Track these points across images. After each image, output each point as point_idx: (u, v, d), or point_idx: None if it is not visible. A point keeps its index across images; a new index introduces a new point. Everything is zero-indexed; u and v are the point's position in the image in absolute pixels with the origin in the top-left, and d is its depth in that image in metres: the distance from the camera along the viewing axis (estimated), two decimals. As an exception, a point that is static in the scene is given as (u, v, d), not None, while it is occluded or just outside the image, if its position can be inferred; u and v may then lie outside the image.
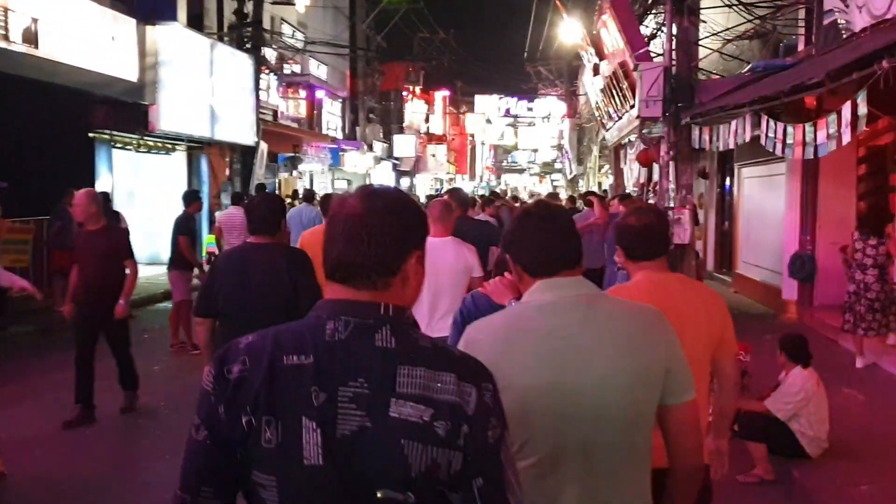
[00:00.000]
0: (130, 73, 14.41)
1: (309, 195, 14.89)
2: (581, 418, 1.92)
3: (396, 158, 39.63)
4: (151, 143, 17.32)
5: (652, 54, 12.59)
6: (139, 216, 18.32)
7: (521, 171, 70.60)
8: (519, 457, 1.84)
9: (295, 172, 27.85)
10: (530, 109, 57.78)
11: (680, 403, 2.03)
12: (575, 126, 39.67)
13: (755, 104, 8.16)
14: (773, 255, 12.31)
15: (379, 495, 1.42)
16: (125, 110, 14.89)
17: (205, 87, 17.28)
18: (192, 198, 9.91)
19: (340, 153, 30.56)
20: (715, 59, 13.18)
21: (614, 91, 13.40)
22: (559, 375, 1.92)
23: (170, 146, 18.09)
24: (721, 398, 3.03)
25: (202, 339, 4.38)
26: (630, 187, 18.57)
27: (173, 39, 15.71)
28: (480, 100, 58.48)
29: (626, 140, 17.18)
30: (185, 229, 9.42)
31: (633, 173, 18.08)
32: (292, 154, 25.20)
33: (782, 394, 5.46)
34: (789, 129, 7.31)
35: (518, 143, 65.40)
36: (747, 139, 8.67)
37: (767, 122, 7.86)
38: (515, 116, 60.05)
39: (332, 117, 32.41)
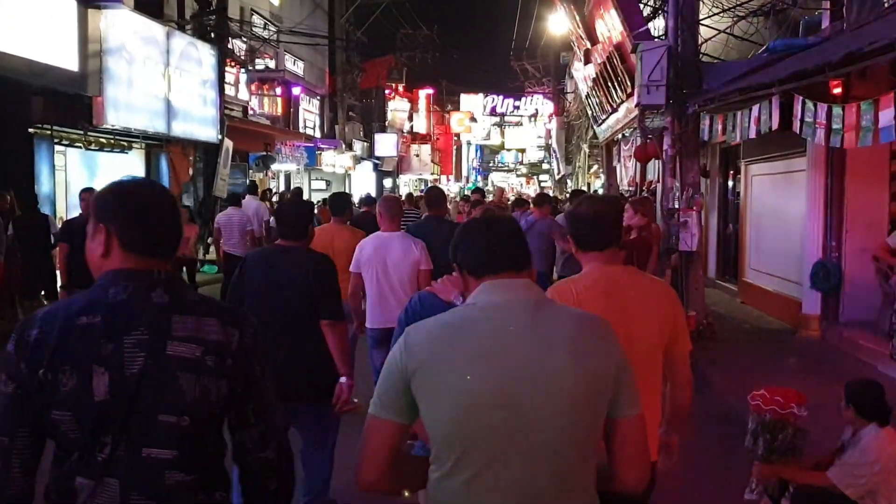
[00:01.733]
0: (70, 62, 12.89)
1: (297, 193, 15.75)
2: (525, 429, 1.81)
3: (377, 158, 38.08)
4: (104, 141, 15.74)
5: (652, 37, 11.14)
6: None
7: (509, 171, 69.36)
8: (454, 471, 1.85)
9: (269, 172, 26.43)
10: (517, 108, 56.14)
11: (628, 416, 1.93)
12: (563, 124, 38.34)
13: (786, 83, 6.71)
14: (790, 262, 10.91)
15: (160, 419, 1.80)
16: (66, 103, 13.37)
17: (160, 79, 15.74)
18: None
19: (317, 152, 29.08)
20: (719, 45, 11.78)
21: (608, 79, 11.94)
22: (503, 383, 1.81)
23: (125, 143, 16.52)
24: (675, 394, 2.90)
25: None
26: (625, 187, 17.11)
27: (121, 25, 14.14)
28: (466, 99, 56.92)
29: (620, 136, 15.74)
30: (59, 236, 8.09)
31: (627, 171, 16.60)
32: (264, 153, 23.67)
33: (853, 463, 4.02)
34: (836, 110, 5.86)
35: (505, 143, 64.01)
36: (774, 126, 7.24)
37: (803, 104, 6.43)
38: (502, 115, 58.48)
39: (310, 115, 30.91)
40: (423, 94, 48.00)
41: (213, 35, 18.78)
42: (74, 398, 1.76)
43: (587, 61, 13.75)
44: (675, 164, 9.60)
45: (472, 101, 56.85)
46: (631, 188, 16.21)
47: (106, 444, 1.78)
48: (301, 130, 28.81)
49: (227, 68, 20.57)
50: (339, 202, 6.94)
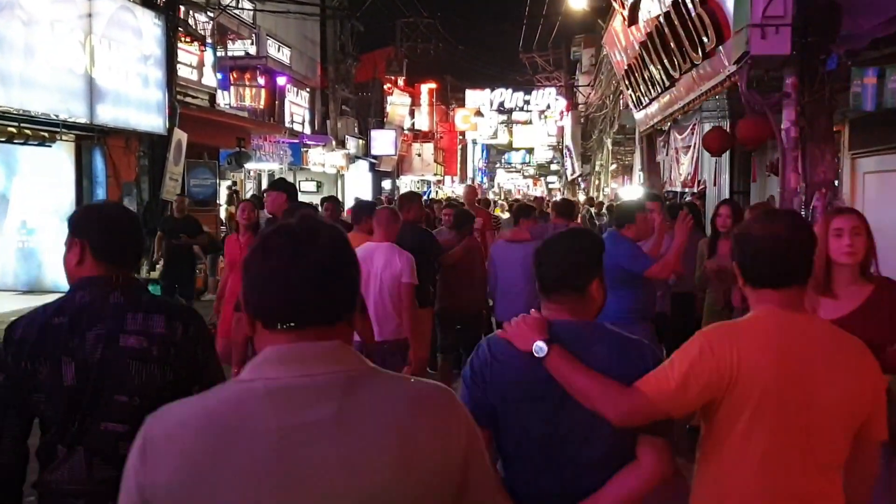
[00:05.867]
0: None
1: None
2: None
3: (374, 157, 34.60)
4: (13, 130, 12.22)
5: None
6: (12, 228, 14.64)
7: (516, 171, 66.51)
8: None
9: (252, 171, 23.12)
10: (527, 102, 52.49)
11: None
12: (579, 119, 34.79)
13: None
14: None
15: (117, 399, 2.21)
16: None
17: (78, 50, 12.22)
18: None
19: (303, 150, 25.67)
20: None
21: (671, 35, 8.42)
22: None
23: (44, 134, 13.00)
24: (851, 495, 2.01)
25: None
26: (677, 187, 13.53)
27: (12, -27, 10.69)
28: (471, 95, 53.37)
29: (669, 123, 12.20)
30: None
31: (681, 168, 12.95)
32: (237, 149, 20.22)
33: None
34: None
35: (513, 142, 60.68)
36: None
37: None
38: (510, 111, 54.99)
39: (298, 109, 27.51)
40: (426, 88, 44.54)
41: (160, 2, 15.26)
42: (49, 383, 2.27)
43: (633, 20, 10.26)
44: (799, 153, 6.07)
45: (477, 98, 53.32)
46: (687, 189, 12.66)
47: (76, 419, 2.27)
48: (288, 125, 25.44)
49: (186, 45, 17.12)
50: (359, 211, 6.83)
